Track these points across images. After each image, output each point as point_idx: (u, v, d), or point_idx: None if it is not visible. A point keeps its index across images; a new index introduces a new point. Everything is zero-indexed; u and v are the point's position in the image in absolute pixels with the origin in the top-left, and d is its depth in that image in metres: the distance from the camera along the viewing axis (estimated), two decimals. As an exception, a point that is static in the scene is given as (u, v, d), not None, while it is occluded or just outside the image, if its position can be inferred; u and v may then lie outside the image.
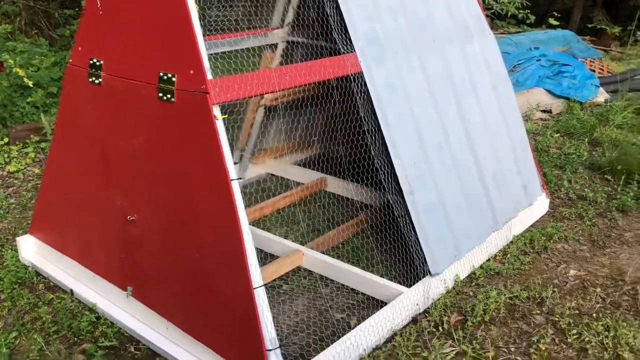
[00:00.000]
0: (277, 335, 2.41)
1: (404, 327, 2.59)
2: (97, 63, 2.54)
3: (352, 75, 2.65)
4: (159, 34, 2.25)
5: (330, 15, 2.67)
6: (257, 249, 3.12)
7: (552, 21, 8.25)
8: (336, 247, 3.21)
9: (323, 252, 3.07)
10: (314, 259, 3.01)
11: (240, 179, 3.01)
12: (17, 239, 3.10)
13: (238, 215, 2.10)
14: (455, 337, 2.52)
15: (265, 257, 3.09)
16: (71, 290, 2.82)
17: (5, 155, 4.56)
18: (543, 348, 2.47)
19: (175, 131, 2.27)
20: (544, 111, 5.69)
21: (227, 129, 2.28)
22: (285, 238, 3.22)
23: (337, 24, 2.69)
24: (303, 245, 3.08)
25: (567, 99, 5.79)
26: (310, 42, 3.52)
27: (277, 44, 3.60)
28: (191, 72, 2.15)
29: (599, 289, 2.90)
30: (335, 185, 3.90)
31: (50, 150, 2.93)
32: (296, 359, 2.34)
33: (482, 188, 3.15)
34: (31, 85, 4.55)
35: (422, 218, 2.76)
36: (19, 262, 3.07)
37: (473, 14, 3.41)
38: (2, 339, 2.50)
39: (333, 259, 2.97)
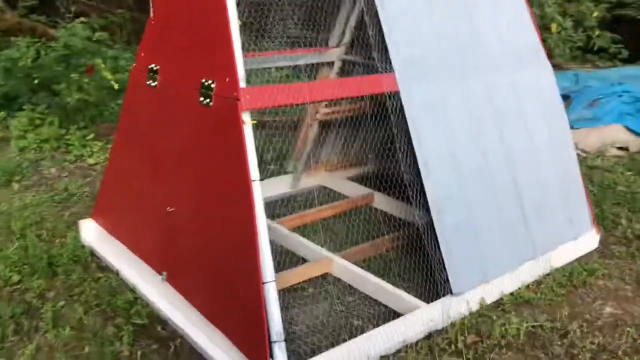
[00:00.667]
0: (294, 332, 2.55)
1: (418, 341, 2.63)
2: (155, 68, 2.81)
3: (387, 93, 2.76)
4: (204, 44, 2.49)
5: (372, 36, 2.80)
6: (290, 252, 3.29)
7: (647, 57, 7.90)
8: (368, 259, 3.29)
9: (354, 263, 3.16)
10: (343, 267, 3.11)
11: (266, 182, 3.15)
12: (79, 221, 3.44)
13: (255, 213, 2.26)
14: (465, 356, 2.53)
15: (297, 261, 3.22)
16: (117, 271, 3.10)
17: (89, 149, 5.02)
18: (554, 379, 2.43)
19: (211, 133, 2.48)
20: (620, 148, 5.47)
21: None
22: (321, 246, 3.35)
23: (378, 44, 2.82)
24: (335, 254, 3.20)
25: (649, 137, 5.52)
26: (365, 62, 3.66)
27: (334, 61, 3.76)
28: (227, 80, 2.36)
29: (632, 329, 2.79)
30: (382, 202, 3.98)
31: (113, 145, 3.25)
32: (302, 356, 2.44)
33: (521, 215, 3.13)
34: (116, 88, 4.99)
35: (448, 238, 2.79)
36: (78, 243, 3.39)
37: (528, 44, 3.42)
38: (50, 306, 2.79)
39: (361, 269, 3.06)
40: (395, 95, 2.77)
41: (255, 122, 2.35)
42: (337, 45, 3.73)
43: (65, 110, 5.46)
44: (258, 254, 2.26)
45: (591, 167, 5.03)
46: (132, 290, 2.95)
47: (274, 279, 2.29)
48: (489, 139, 3.08)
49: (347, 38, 3.68)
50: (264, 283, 2.26)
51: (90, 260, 3.26)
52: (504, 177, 3.10)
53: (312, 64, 3.74)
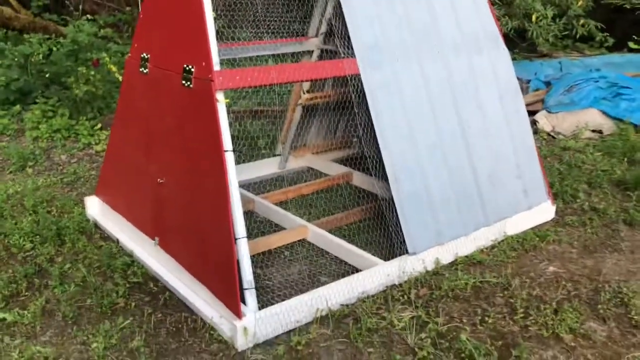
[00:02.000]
0: (268, 286, 2.93)
1: (375, 294, 3.00)
2: (146, 56, 3.20)
3: (349, 76, 3.12)
4: (185, 34, 2.87)
5: (335, 25, 3.17)
6: (272, 222, 3.67)
7: (632, 45, 8.13)
8: (342, 227, 3.66)
9: (328, 230, 3.53)
10: (316, 234, 3.48)
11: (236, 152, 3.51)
12: (85, 198, 3.85)
13: (227, 178, 2.64)
14: (415, 304, 2.90)
15: (277, 230, 3.60)
16: (117, 239, 3.50)
17: (97, 137, 5.44)
18: (490, 322, 2.78)
19: (191, 111, 2.86)
20: (594, 131, 5.77)
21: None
22: (300, 217, 3.72)
23: (341, 32, 3.18)
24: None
25: (622, 121, 5.81)
26: (341, 50, 4.02)
27: (312, 50, 4.12)
28: (203, 64, 2.73)
29: (569, 284, 3.13)
30: (360, 180, 4.35)
31: (112, 127, 3.65)
32: (270, 302, 2.82)
33: (475, 186, 3.48)
34: (121, 80, 5.39)
35: (404, 203, 3.15)
36: (84, 217, 3.80)
37: (486, 29, 3.75)
38: (58, 267, 3.20)
39: (332, 235, 3.43)
40: (357, 78, 3.13)
41: (227, 100, 2.73)
42: (316, 35, 4.09)
43: (75, 103, 5.88)
44: (230, 214, 2.64)
45: (564, 148, 5.35)
46: (130, 255, 3.35)
47: (244, 235, 2.67)
48: (445, 115, 3.42)
49: (323, 28, 4.04)
50: (236, 239, 2.64)
51: (94, 231, 3.67)
52: (458, 150, 3.44)
53: (294, 53, 4.11)
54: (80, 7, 7.45)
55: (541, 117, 5.91)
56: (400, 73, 3.28)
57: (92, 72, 5.63)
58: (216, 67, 2.69)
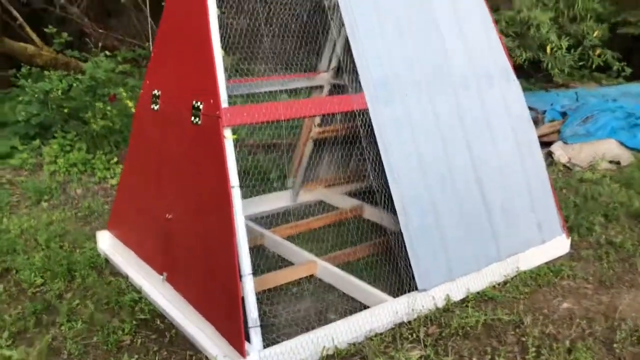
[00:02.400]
0: (274, 324, 2.90)
1: (384, 332, 2.94)
2: (157, 93, 3.25)
3: (357, 111, 3.13)
4: (194, 72, 2.91)
5: (342, 61, 3.19)
6: (281, 257, 3.65)
7: (650, 75, 8.09)
8: (351, 262, 3.63)
9: (337, 266, 3.49)
10: (325, 269, 3.45)
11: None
12: (97, 232, 3.87)
13: (233, 214, 2.64)
14: (424, 343, 2.83)
15: (287, 266, 3.58)
16: (126, 274, 3.50)
17: (112, 171, 5.50)
18: (501, 361, 2.71)
19: (200, 147, 2.88)
20: (612, 162, 5.68)
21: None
22: (310, 252, 3.69)
23: (349, 68, 3.20)
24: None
25: (641, 151, 5.73)
26: (349, 86, 4.03)
27: (323, 85, 4.15)
28: (211, 101, 2.76)
29: (584, 322, 3.04)
30: (371, 213, 4.32)
31: (125, 162, 3.69)
32: (276, 340, 2.78)
33: (487, 220, 3.43)
34: (136, 115, 5.48)
35: (413, 238, 3.12)
36: (95, 252, 3.82)
37: (497, 63, 3.74)
38: (67, 303, 3.21)
39: (341, 270, 3.39)
40: (365, 113, 3.14)
41: (235, 136, 2.75)
42: (327, 70, 4.12)
43: (92, 137, 5.98)
44: (236, 250, 2.63)
45: (581, 179, 5.27)
46: (138, 290, 3.34)
47: (250, 272, 2.65)
48: (456, 149, 3.40)
49: (334, 63, 4.07)
50: (241, 276, 2.63)
51: (104, 266, 3.68)
52: (470, 185, 3.41)
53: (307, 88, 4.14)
54: (101, 43, 7.62)
55: (557, 148, 5.85)
56: (410, 108, 3.27)
57: (109, 107, 5.73)
58: (224, 104, 2.72)
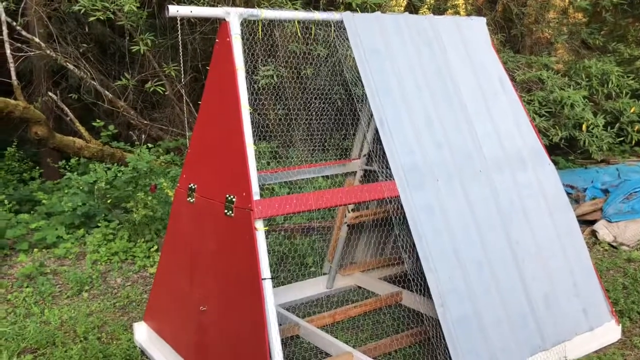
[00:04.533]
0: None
1: None
2: (193, 187, 3.33)
3: (388, 198, 3.13)
4: (227, 167, 2.99)
5: (372, 150, 3.23)
6: (317, 348, 3.57)
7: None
8: (390, 354, 3.51)
9: (374, 357, 3.39)
10: (362, 361, 3.35)
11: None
12: (134, 324, 3.89)
13: (265, 308, 2.62)
14: None
15: (321, 356, 3.49)
16: (161, 368, 3.48)
17: (152, 259, 5.58)
18: None
19: (232, 239, 2.91)
20: (661, 240, 5.46)
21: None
22: (347, 342, 3.61)
23: (379, 157, 3.24)
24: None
25: (691, 228, 5.50)
26: (382, 170, 4.07)
27: (356, 171, 4.20)
28: (244, 194, 2.82)
29: (642, 418, 2.84)
30: (410, 299, 4.22)
31: (161, 254, 3.75)
32: None
33: (529, 307, 3.30)
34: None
35: (452, 331, 3.01)
36: (132, 343, 3.82)
37: (529, 146, 3.73)
38: (101, 399, 3.19)
39: (378, 362, 3.29)
40: (396, 200, 3.14)
41: (266, 228, 2.77)
42: (359, 157, 4.18)
43: (134, 226, 6.13)
44: (268, 345, 2.59)
45: (628, 259, 5.07)
46: (173, 384, 3.30)
47: (283, 367, 2.59)
48: (493, 236, 3.34)
49: (365, 150, 4.13)
50: (275, 372, 2.57)
51: (140, 359, 3.67)
52: (509, 272, 3.31)
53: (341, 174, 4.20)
54: (144, 135, 7.96)
55: (601, 227, 5.68)
56: (442, 194, 3.27)
57: (150, 197, 5.90)
58: (256, 196, 2.77)
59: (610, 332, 3.59)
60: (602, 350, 3.49)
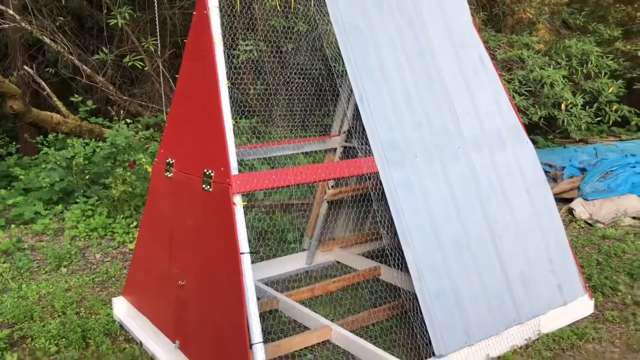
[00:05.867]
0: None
1: (401, 400, 2.85)
2: (171, 162, 3.31)
3: (367, 174, 3.14)
4: (205, 141, 2.97)
5: (352, 126, 3.23)
6: (294, 321, 3.60)
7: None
8: (368, 327, 3.56)
9: (352, 331, 3.43)
10: (340, 335, 3.38)
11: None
12: (113, 299, 3.88)
13: (243, 281, 2.63)
14: (442, 413, 2.73)
15: (300, 330, 3.52)
16: (140, 342, 3.48)
17: (132, 235, 5.55)
18: None
19: (210, 214, 2.91)
20: (635, 218, 5.57)
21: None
22: (325, 316, 3.64)
23: (359, 133, 3.24)
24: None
25: (664, 206, 5.61)
26: (361, 147, 4.08)
27: (336, 148, 4.19)
28: (222, 169, 2.81)
29: (611, 389, 2.92)
30: (389, 274, 4.26)
31: (140, 229, 3.73)
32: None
33: (505, 282, 3.36)
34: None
35: (429, 303, 3.05)
36: (110, 318, 3.82)
37: (508, 124, 3.75)
38: (79, 372, 3.19)
39: (355, 336, 3.32)
40: (375, 176, 3.15)
41: (245, 203, 2.77)
42: (338, 133, 4.18)
43: (113, 202, 6.08)
44: (246, 318, 2.60)
45: (603, 236, 5.16)
46: (152, 358, 3.31)
47: (261, 340, 2.61)
48: (470, 212, 3.37)
49: (345, 127, 4.12)
50: (251, 344, 2.59)
51: (119, 333, 3.67)
52: (486, 247, 3.36)
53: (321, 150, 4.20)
54: (122, 111, 7.86)
55: (577, 205, 5.77)
56: (421, 171, 3.28)
57: (129, 173, 5.85)
58: (234, 171, 2.76)
59: (583, 306, 3.67)
60: (575, 324, 3.57)
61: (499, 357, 3.20)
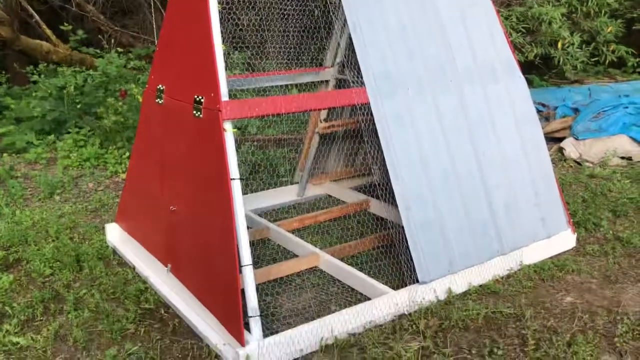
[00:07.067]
0: (273, 315, 2.94)
1: (384, 323, 2.96)
2: (161, 88, 3.30)
3: (358, 105, 3.14)
4: (196, 67, 2.95)
5: (346, 55, 3.21)
6: (286, 250, 3.69)
7: (667, 70, 7.96)
8: (355, 255, 3.65)
9: (340, 258, 3.52)
10: (328, 262, 3.48)
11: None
12: (106, 225, 3.94)
13: (233, 206, 2.67)
14: (424, 334, 2.85)
15: (290, 257, 3.61)
16: (133, 265, 3.56)
17: (124, 165, 5.58)
18: (499, 353, 2.71)
19: (201, 140, 2.92)
20: (624, 158, 5.63)
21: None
22: (314, 245, 3.72)
23: (352, 62, 3.22)
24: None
25: (654, 147, 5.66)
26: (354, 79, 4.05)
27: (329, 80, 4.17)
28: (212, 95, 2.80)
29: (586, 316, 3.03)
30: (377, 207, 4.33)
31: (131, 156, 3.75)
32: (277, 330, 2.81)
33: (490, 214, 3.43)
34: (146, 110, 5.54)
35: (414, 232, 3.13)
36: (104, 244, 3.89)
37: (501, 58, 3.73)
38: (74, 293, 3.28)
39: (342, 263, 3.42)
40: (366, 107, 3.15)
41: (235, 130, 2.78)
42: (332, 65, 4.14)
43: (106, 132, 6.07)
44: (236, 241, 2.66)
45: (591, 175, 5.23)
46: (144, 281, 3.40)
47: (250, 263, 2.69)
48: (459, 144, 3.40)
49: (339, 58, 4.09)
50: (241, 267, 2.66)
51: (112, 258, 3.75)
52: (473, 179, 3.41)
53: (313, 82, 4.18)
54: (113, 40, 7.72)
55: (568, 144, 5.81)
56: (412, 103, 3.29)
57: (120, 103, 5.82)
58: (224, 97, 2.75)
59: (566, 240, 3.76)
60: (556, 256, 3.67)
61: (480, 286, 3.30)
